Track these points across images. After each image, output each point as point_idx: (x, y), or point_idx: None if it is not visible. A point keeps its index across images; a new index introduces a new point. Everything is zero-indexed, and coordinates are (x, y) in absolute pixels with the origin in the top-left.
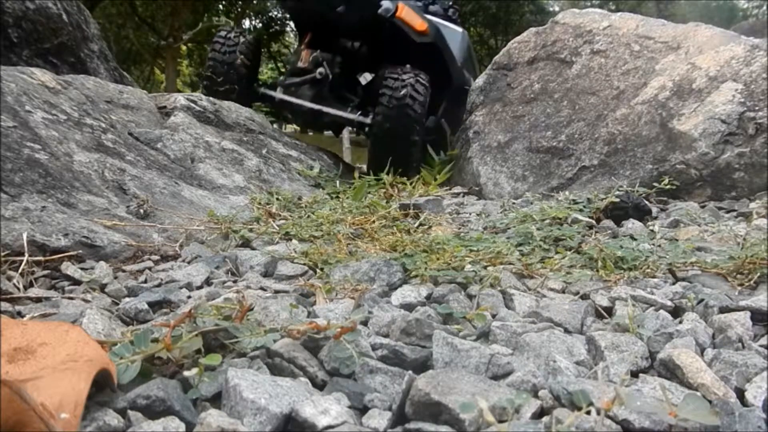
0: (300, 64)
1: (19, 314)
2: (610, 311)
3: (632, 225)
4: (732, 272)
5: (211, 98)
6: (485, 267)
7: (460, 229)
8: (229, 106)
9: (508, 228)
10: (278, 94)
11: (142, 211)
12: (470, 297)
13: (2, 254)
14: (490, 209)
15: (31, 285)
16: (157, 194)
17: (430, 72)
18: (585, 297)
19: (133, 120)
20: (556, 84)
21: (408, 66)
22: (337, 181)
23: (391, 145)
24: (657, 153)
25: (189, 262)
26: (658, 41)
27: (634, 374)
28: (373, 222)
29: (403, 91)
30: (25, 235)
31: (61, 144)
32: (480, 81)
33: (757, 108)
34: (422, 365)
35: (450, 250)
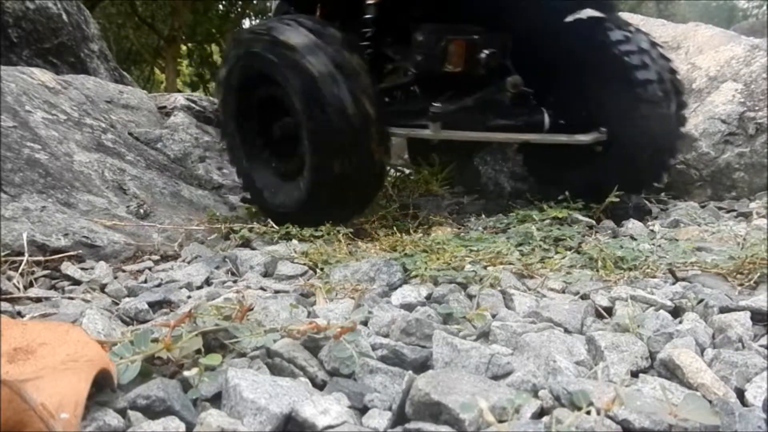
0: (450, 67)
1: (19, 314)
2: (610, 311)
3: (632, 225)
4: (732, 272)
5: (210, 98)
6: (485, 267)
7: (460, 229)
8: None
9: (508, 228)
10: (437, 131)
11: (141, 211)
12: (470, 297)
13: (2, 254)
14: (490, 209)
15: (31, 285)
16: (157, 194)
17: None
18: (585, 297)
19: (133, 120)
20: None
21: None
22: None
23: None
24: None
25: (189, 262)
26: (658, 41)
27: (634, 374)
28: (373, 222)
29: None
30: (25, 235)
31: (61, 144)
32: None
33: (757, 108)
34: (422, 365)
35: (450, 250)
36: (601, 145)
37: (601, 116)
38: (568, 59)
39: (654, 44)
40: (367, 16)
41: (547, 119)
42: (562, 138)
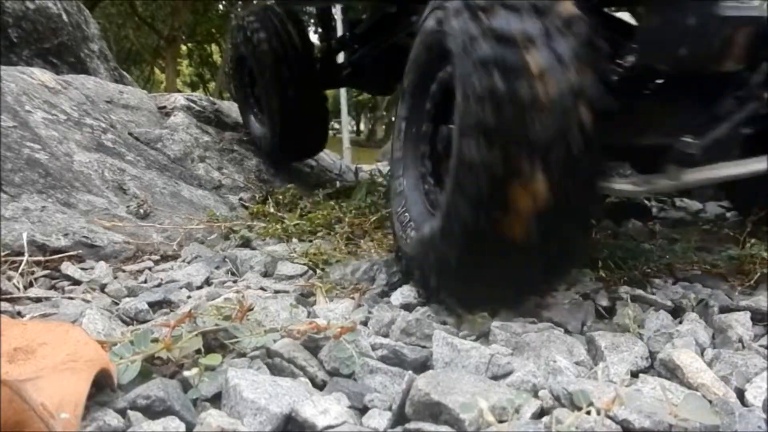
0: (729, 65)
1: (19, 314)
2: (610, 311)
3: (632, 225)
4: (732, 272)
5: (210, 98)
6: None
7: None
8: (229, 107)
9: None
10: (677, 178)
11: (141, 211)
12: None
13: (2, 254)
14: None
15: (31, 285)
16: (157, 194)
17: None
18: (585, 297)
19: (133, 120)
20: None
21: None
22: (337, 182)
23: None
24: None
25: (189, 262)
26: None
27: (634, 374)
28: (373, 222)
29: None
30: (25, 235)
31: (61, 144)
32: None
33: None
34: (422, 365)
35: None
36: None
37: None
38: None
39: None
40: None
41: None
42: None
